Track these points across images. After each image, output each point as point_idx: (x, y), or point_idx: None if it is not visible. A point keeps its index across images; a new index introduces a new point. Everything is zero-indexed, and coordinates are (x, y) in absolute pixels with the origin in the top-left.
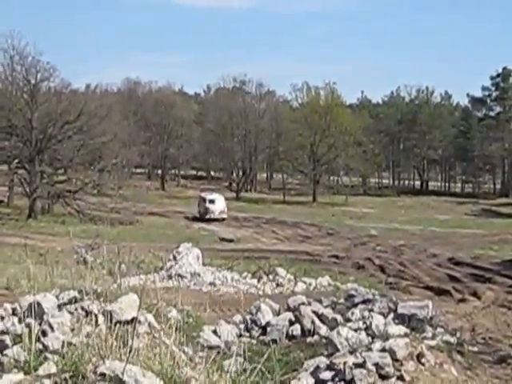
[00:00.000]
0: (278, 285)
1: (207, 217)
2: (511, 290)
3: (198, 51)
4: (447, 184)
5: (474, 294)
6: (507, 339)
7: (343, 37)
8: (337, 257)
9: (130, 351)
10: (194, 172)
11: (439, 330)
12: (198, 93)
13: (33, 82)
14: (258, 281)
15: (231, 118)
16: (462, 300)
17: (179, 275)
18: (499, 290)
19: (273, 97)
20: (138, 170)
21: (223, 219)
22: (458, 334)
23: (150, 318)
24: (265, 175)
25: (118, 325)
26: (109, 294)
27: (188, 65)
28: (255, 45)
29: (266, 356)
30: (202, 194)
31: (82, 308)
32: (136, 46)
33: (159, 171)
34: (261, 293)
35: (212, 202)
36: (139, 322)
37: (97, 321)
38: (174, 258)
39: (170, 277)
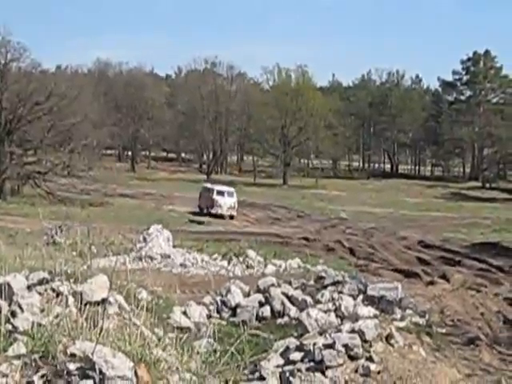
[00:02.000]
0: (248, 267)
1: (213, 211)
2: (480, 273)
3: (170, 33)
4: (417, 167)
5: (443, 277)
6: (475, 321)
7: (315, 20)
8: (307, 239)
9: (100, 332)
10: (164, 154)
11: (408, 311)
12: (169, 74)
13: (2, 62)
14: (228, 263)
15: (202, 100)
16: (432, 283)
17: (149, 257)
18: (468, 273)
19: (244, 79)
20: (109, 152)
21: (231, 217)
22: (427, 316)
23: (120, 299)
24: (235, 157)
25: (87, 306)
26: (79, 275)
27: (159, 47)
28: (227, 27)
29: (236, 337)
30: (208, 185)
31: (52, 289)
32: (107, 27)
33: (129, 153)
34: (231, 275)
35: (221, 193)
36: (109, 303)
37: (67, 302)
38: (144, 239)
39: (140, 258)
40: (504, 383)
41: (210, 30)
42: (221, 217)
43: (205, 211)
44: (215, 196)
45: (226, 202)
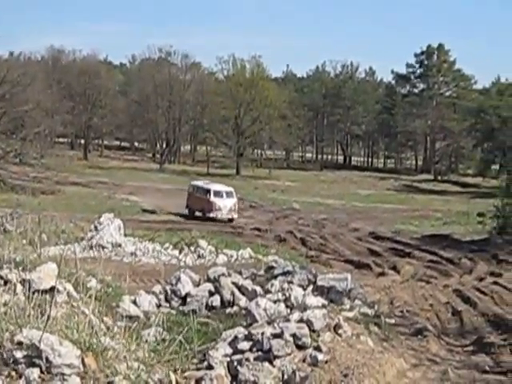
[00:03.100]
0: (199, 256)
1: (211, 215)
2: (430, 265)
3: (125, 22)
4: (370, 159)
5: (394, 268)
6: (424, 312)
7: (270, 11)
8: (259, 229)
9: (48, 320)
10: (117, 142)
11: (357, 302)
12: (123, 63)
13: None
14: (180, 252)
15: (156, 89)
16: (382, 274)
17: (100, 245)
18: (418, 265)
19: (198, 69)
20: (61, 140)
21: (231, 220)
22: (376, 307)
23: (69, 287)
24: (189, 147)
25: (36, 294)
26: (28, 263)
27: (114, 35)
28: (182, 16)
29: (185, 326)
30: (200, 183)
31: (1, 277)
32: (62, 15)
33: (82, 141)
34: (182, 264)
35: (219, 194)
36: (58, 291)
37: (15, 290)
38: (96, 228)
39: (91, 247)
40: (450, 373)
41: (166, 19)
42: (218, 220)
43: (197, 214)
44: (213, 198)
45: (226, 203)
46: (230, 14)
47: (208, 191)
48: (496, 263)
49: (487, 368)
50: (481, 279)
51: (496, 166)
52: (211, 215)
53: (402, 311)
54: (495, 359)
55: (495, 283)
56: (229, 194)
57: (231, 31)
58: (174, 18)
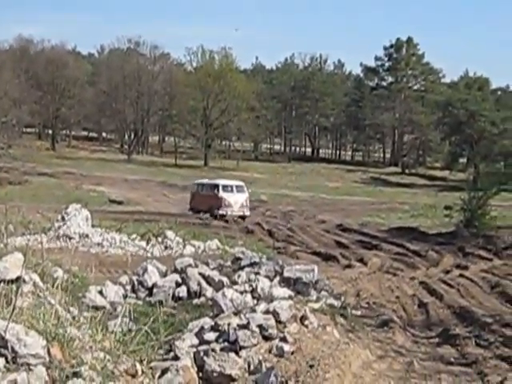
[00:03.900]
0: (166, 247)
1: (221, 212)
2: (397, 257)
3: (94, 12)
4: (338, 152)
5: (361, 261)
6: (390, 304)
7: (239, 2)
8: (226, 221)
9: (14, 310)
10: (85, 133)
11: (323, 293)
12: (91, 53)
13: None
14: (147, 243)
15: (124, 80)
16: (349, 266)
17: (67, 236)
18: (385, 257)
19: (167, 59)
20: (29, 130)
21: (244, 217)
22: (343, 298)
23: (36, 277)
24: (157, 138)
25: (1, 284)
26: None
27: (82, 25)
28: (152, 6)
29: (151, 317)
30: (205, 181)
31: None
32: (30, 4)
33: (50, 131)
34: (149, 255)
35: (229, 189)
36: (24, 281)
37: None
38: (63, 218)
39: (57, 237)
40: (416, 365)
41: (135, 10)
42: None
43: (202, 215)
44: (222, 193)
45: (238, 199)
46: (200, 6)
47: (216, 186)
48: (462, 256)
49: (452, 360)
50: (447, 272)
51: (463, 160)
52: (220, 212)
53: (368, 303)
54: (460, 351)
55: (461, 276)
56: (239, 189)
57: (201, 22)
58: (143, 9)
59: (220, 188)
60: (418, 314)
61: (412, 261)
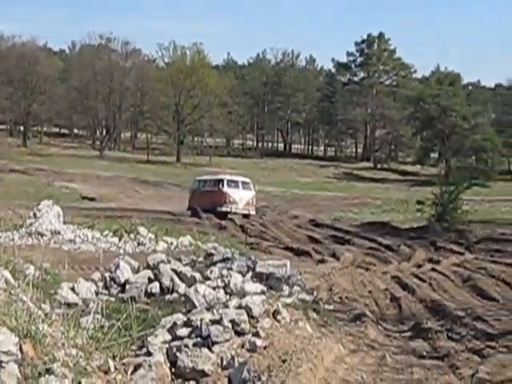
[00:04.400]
0: (139, 244)
1: (224, 209)
2: (369, 252)
3: (65, 7)
4: (310, 147)
5: (333, 256)
6: (363, 298)
7: None
8: (199, 217)
9: None
10: (57, 129)
11: (296, 288)
12: (62, 49)
13: None
14: (119, 239)
15: (96, 76)
16: (321, 261)
17: (39, 233)
18: (357, 252)
19: (139, 55)
20: (0, 127)
21: (248, 216)
22: (315, 293)
23: (7, 274)
24: (129, 134)
25: None
26: None
27: (54, 21)
28: (122, 2)
29: (124, 313)
30: (209, 176)
31: None
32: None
33: (21, 128)
34: (121, 251)
35: (234, 184)
36: None
37: None
38: (34, 215)
39: (29, 234)
40: (388, 358)
41: (106, 6)
42: (224, 216)
43: (202, 214)
44: (227, 188)
45: (243, 196)
46: (171, 1)
47: (220, 181)
48: (434, 250)
49: (424, 353)
50: (419, 266)
51: (435, 155)
52: (223, 209)
53: (340, 298)
54: (432, 344)
55: (433, 270)
56: (246, 185)
57: (172, 18)
58: (114, 5)
59: (225, 183)
60: (391, 308)
61: (384, 255)
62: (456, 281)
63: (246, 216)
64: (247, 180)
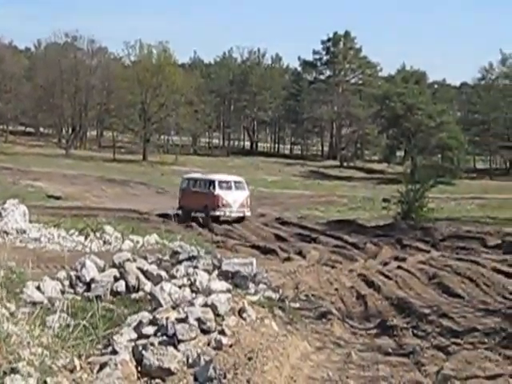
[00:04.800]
0: (105, 242)
1: (217, 213)
2: (335, 250)
3: (30, 5)
4: (276, 145)
5: (300, 254)
6: (329, 296)
7: None
8: (165, 215)
9: None
10: (22, 128)
11: (262, 286)
12: (28, 47)
13: None
14: (85, 238)
15: (62, 74)
16: (288, 259)
17: (4, 232)
18: (324, 250)
19: (105, 53)
20: None
21: (242, 218)
22: (281, 291)
23: None
24: (95, 133)
25: None
26: None
27: (19, 19)
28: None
29: (90, 312)
30: (199, 175)
31: None
32: None
33: None
34: (87, 250)
35: (226, 186)
36: None
37: None
38: (0, 214)
39: None
40: (354, 355)
41: (71, 3)
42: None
43: (195, 214)
44: (218, 190)
45: (236, 197)
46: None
47: (211, 183)
48: (400, 248)
49: (390, 350)
50: (385, 264)
51: (401, 153)
52: (217, 213)
53: (306, 295)
54: (398, 342)
55: (399, 267)
56: (239, 185)
57: (138, 16)
58: (80, 3)
59: (216, 184)
60: (357, 306)
61: (350, 253)
62: (422, 278)
63: (241, 218)
64: (240, 179)
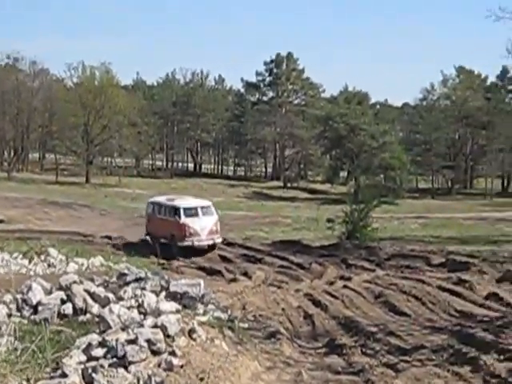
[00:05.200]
0: (49, 265)
1: (186, 244)
2: (281, 270)
3: None
4: (220, 167)
5: (245, 274)
6: (276, 316)
7: (119, 17)
8: (110, 237)
9: None
10: None
11: (211, 306)
12: None
13: None
14: (30, 261)
15: (3, 96)
16: (234, 280)
17: None
18: (269, 270)
19: (47, 75)
20: None
21: (213, 246)
22: (229, 312)
23: None
24: (37, 155)
25: None
26: None
27: None
28: (29, 21)
29: (37, 335)
30: (164, 200)
31: None
32: None
33: None
34: (32, 273)
35: (192, 213)
36: None
37: None
38: None
39: None
40: (304, 375)
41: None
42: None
43: (175, 243)
44: (184, 219)
45: (205, 224)
46: (79, 20)
47: (176, 210)
48: (346, 267)
49: (340, 369)
50: (331, 283)
51: (344, 173)
52: (185, 244)
53: (254, 316)
54: (347, 360)
55: (345, 287)
56: (206, 210)
57: (81, 37)
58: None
59: (181, 212)
60: (304, 325)
61: (296, 273)
62: (368, 297)
63: (212, 246)
64: (206, 203)
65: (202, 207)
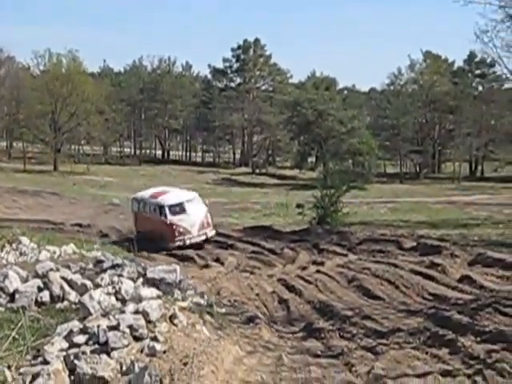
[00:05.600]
0: (21, 254)
1: (177, 244)
2: (253, 256)
3: None
4: (188, 153)
5: (217, 260)
6: (251, 301)
7: (87, 5)
8: (80, 225)
9: None
10: None
11: (189, 292)
12: None
13: None
14: (1, 250)
15: None
16: (206, 266)
17: None
18: (241, 256)
19: (13, 63)
20: None
21: (206, 241)
22: (206, 297)
23: None
24: (4, 144)
25: None
26: None
27: None
28: None
29: (16, 323)
30: (147, 196)
31: None
32: None
33: None
34: (4, 262)
35: (178, 209)
36: None
37: None
38: None
39: None
40: (285, 358)
41: None
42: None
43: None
44: (171, 217)
45: (194, 219)
46: (46, 8)
47: (161, 208)
48: (318, 252)
49: (319, 352)
50: (304, 268)
51: (312, 159)
52: (176, 244)
53: (230, 301)
54: (326, 344)
55: (318, 271)
56: (192, 203)
57: (47, 25)
58: None
59: (167, 211)
60: (279, 310)
61: (268, 259)
62: (341, 281)
63: (205, 241)
64: (192, 195)
65: (188, 200)
